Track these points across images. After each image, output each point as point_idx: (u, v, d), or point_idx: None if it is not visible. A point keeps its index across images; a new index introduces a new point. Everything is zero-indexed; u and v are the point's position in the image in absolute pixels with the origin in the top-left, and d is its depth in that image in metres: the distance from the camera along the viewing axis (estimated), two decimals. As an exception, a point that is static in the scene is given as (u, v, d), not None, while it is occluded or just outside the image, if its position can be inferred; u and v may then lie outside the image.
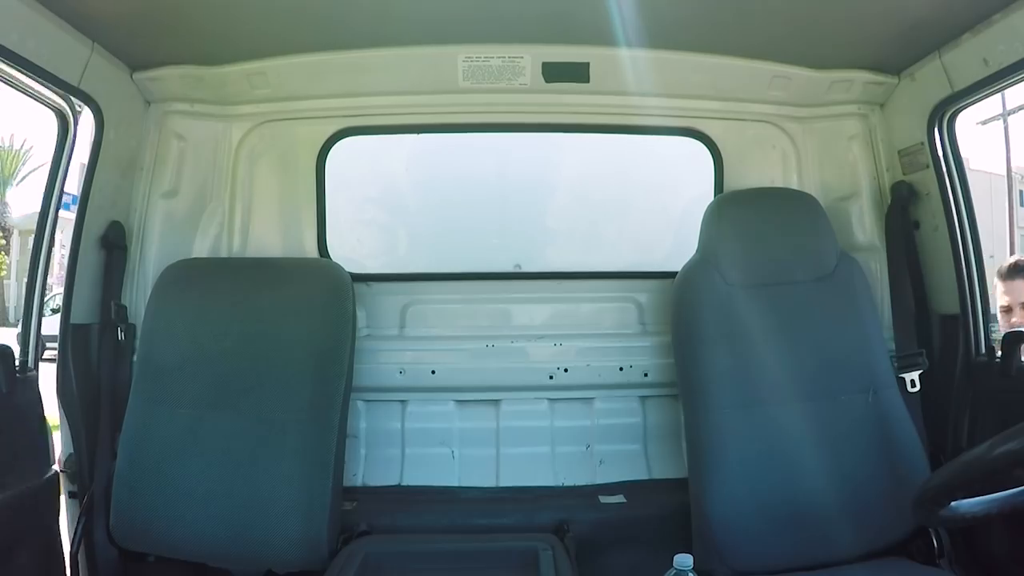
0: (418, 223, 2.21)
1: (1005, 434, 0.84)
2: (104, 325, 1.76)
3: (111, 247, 1.77)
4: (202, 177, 1.95)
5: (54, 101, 1.60)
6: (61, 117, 1.64)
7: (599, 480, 2.01)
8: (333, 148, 2.02)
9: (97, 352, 1.75)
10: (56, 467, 1.67)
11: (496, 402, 2.04)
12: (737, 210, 1.79)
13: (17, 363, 1.58)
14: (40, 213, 1.65)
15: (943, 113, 1.72)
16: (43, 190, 1.63)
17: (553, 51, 1.80)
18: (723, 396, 1.61)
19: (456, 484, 2.00)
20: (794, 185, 2.03)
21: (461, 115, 1.97)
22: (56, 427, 1.70)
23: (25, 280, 1.65)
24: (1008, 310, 2.21)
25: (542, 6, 1.59)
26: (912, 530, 1.57)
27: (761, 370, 1.62)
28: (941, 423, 1.74)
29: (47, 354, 1.68)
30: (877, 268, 1.92)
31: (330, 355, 1.68)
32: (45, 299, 1.67)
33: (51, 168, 1.65)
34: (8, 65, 1.38)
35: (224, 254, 2.00)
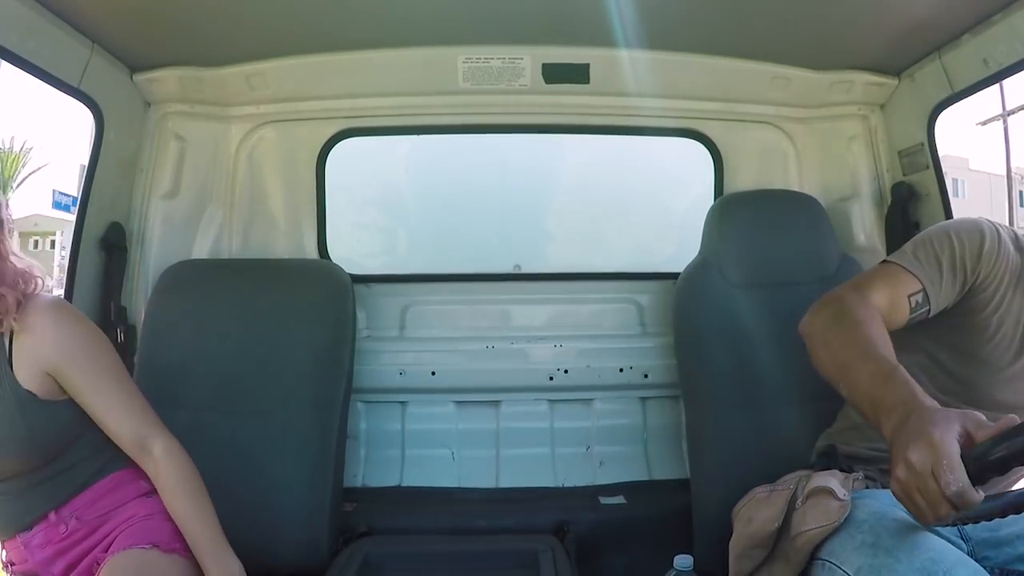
0: (418, 224, 2.22)
1: (1007, 431, 0.84)
2: (104, 326, 1.75)
3: (111, 248, 1.76)
4: (202, 178, 1.95)
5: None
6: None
7: (599, 481, 2.01)
8: (333, 149, 2.02)
9: None
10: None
11: (496, 403, 2.04)
12: (739, 212, 1.79)
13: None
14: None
15: (943, 114, 1.72)
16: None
17: (553, 52, 1.80)
18: (725, 397, 1.61)
19: (456, 485, 2.00)
20: (794, 186, 2.03)
21: (461, 116, 1.97)
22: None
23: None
24: None
25: (542, 7, 1.59)
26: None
27: (763, 371, 1.61)
28: None
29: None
30: (878, 269, 1.92)
31: (330, 356, 1.68)
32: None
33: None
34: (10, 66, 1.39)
35: (224, 255, 1.99)
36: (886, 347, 1.06)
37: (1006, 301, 1.20)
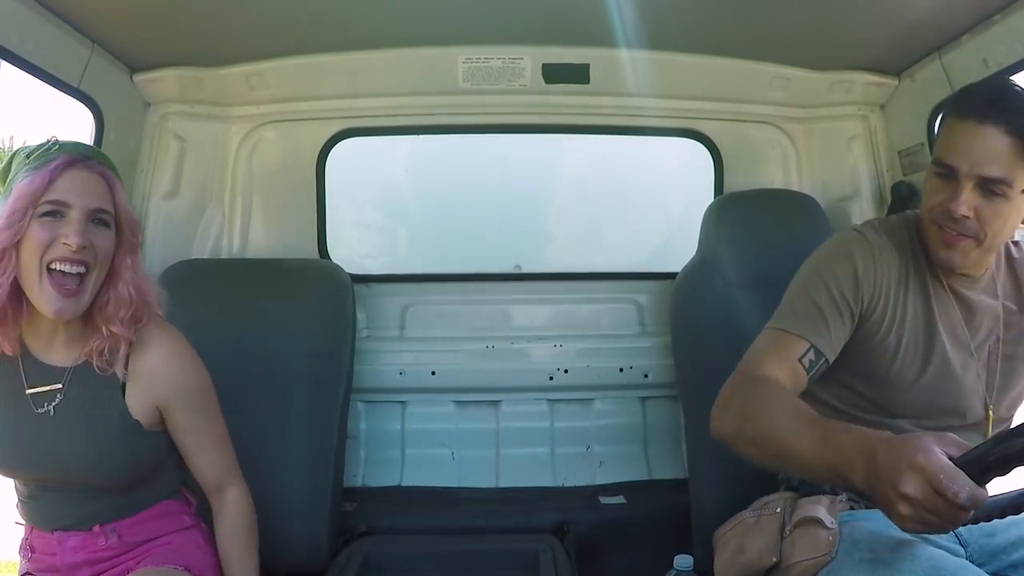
0: (418, 224, 2.21)
1: (1009, 431, 0.84)
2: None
3: (111, 248, 1.76)
4: (202, 178, 1.95)
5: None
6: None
7: (599, 481, 2.01)
8: (333, 149, 2.02)
9: None
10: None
11: (496, 403, 2.04)
12: (737, 211, 1.79)
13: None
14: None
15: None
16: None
17: (553, 52, 1.80)
18: (723, 397, 1.61)
19: (456, 485, 2.00)
20: (794, 186, 2.03)
21: (461, 116, 1.97)
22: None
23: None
24: None
25: (542, 7, 1.59)
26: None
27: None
28: None
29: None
30: (877, 269, 1.92)
31: (330, 356, 1.68)
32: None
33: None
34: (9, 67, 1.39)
35: (224, 255, 1.99)
36: (807, 411, 1.02)
37: (899, 311, 1.19)
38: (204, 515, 1.33)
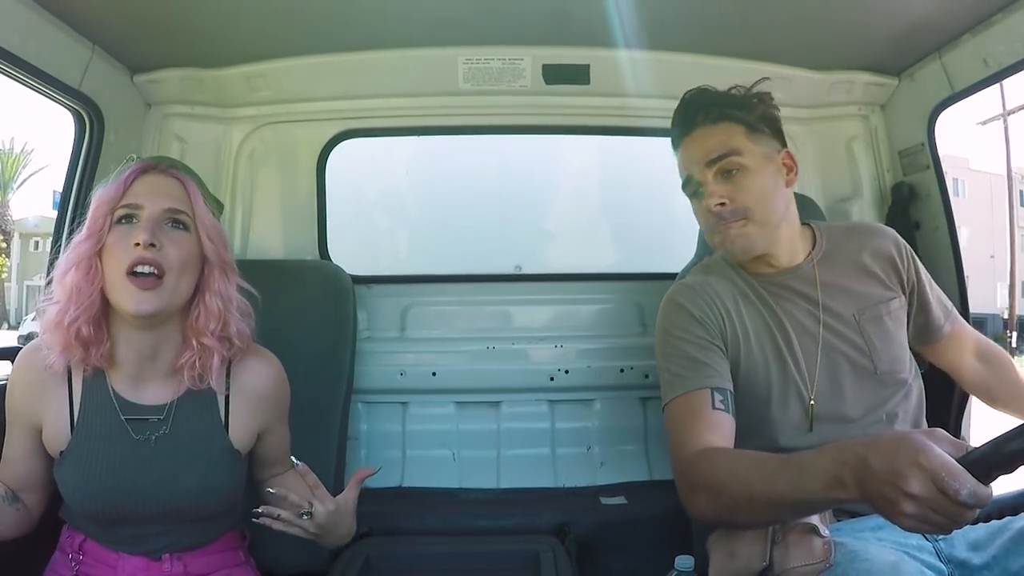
0: (419, 225, 2.22)
1: (1010, 432, 0.84)
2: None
3: (112, 249, 1.76)
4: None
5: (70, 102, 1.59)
6: (78, 117, 1.64)
7: (600, 482, 2.01)
8: (334, 150, 2.02)
9: None
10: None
11: (496, 404, 2.04)
12: None
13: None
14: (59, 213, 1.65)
15: (943, 114, 1.73)
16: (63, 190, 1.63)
17: (553, 53, 1.80)
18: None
19: (457, 486, 2.00)
20: (794, 187, 2.02)
21: (461, 117, 1.97)
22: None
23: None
24: None
25: (542, 8, 1.59)
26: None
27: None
28: (942, 424, 1.73)
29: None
30: (878, 269, 1.92)
31: (331, 357, 1.68)
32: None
33: (69, 169, 1.64)
34: (10, 68, 1.38)
35: (224, 256, 1.99)
36: (766, 457, 1.02)
37: (746, 327, 1.24)
38: (253, 551, 1.33)
